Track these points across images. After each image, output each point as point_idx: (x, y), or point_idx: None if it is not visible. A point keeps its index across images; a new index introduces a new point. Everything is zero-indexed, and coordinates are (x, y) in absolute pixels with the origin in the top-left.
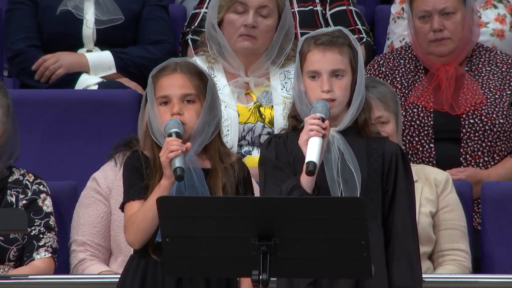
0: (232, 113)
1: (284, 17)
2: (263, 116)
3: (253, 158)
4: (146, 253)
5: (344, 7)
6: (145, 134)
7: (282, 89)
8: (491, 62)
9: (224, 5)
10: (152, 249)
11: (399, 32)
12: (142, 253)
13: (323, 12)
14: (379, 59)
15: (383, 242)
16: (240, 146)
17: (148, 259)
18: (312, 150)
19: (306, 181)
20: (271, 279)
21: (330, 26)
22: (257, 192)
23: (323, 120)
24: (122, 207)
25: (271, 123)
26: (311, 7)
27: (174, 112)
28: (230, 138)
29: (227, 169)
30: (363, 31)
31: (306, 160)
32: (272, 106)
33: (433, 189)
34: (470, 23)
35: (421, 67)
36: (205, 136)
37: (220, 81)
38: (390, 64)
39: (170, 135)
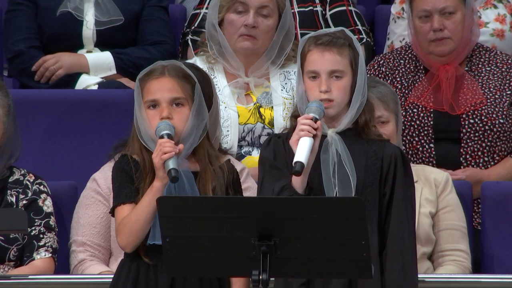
0: (232, 114)
1: (284, 17)
2: (263, 117)
3: (252, 159)
4: (137, 256)
5: (344, 8)
6: (132, 137)
7: (282, 90)
8: (491, 62)
9: (225, 5)
10: (143, 251)
11: (399, 32)
12: (133, 256)
13: (323, 12)
14: (379, 59)
15: (377, 245)
16: (240, 146)
17: (139, 262)
18: (301, 150)
19: (296, 181)
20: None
21: (330, 27)
22: (254, 192)
23: (316, 120)
24: (112, 211)
25: (271, 124)
26: (311, 7)
27: (163, 116)
28: (230, 138)
29: (216, 171)
30: (363, 32)
31: (294, 160)
32: (272, 107)
33: (433, 190)
34: (470, 23)
35: (421, 67)
36: (193, 139)
37: (220, 81)
38: (390, 64)
39: (162, 137)
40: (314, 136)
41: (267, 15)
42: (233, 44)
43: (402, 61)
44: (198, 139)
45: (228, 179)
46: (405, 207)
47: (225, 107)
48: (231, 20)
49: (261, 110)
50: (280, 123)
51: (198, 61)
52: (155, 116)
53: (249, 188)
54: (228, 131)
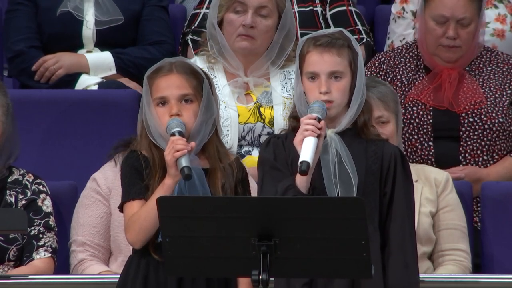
0: (232, 113)
1: (284, 18)
2: (263, 116)
3: (252, 158)
4: (146, 253)
5: (344, 8)
6: (141, 134)
7: (282, 89)
8: (492, 62)
9: (224, 4)
10: (153, 248)
11: (399, 31)
12: (142, 253)
13: (323, 12)
14: (380, 57)
15: (379, 244)
16: (240, 146)
17: (149, 259)
18: (306, 150)
19: (301, 181)
20: (271, 279)
21: (330, 27)
22: (254, 192)
23: (319, 120)
24: (121, 207)
25: (271, 123)
26: (311, 7)
27: (173, 114)
28: (230, 138)
29: (226, 169)
30: (363, 32)
31: (300, 159)
32: (272, 106)
33: (433, 189)
34: (479, 33)
35: (422, 66)
36: (203, 135)
37: (220, 81)
38: (391, 62)
39: (173, 135)
40: (318, 136)
41: (266, 15)
42: (231, 43)
43: (403, 59)
44: (208, 135)
45: (237, 176)
46: (406, 206)
47: (225, 107)
48: (230, 20)
49: (261, 109)
50: (280, 123)
51: (198, 60)
52: (165, 113)
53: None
54: (228, 130)
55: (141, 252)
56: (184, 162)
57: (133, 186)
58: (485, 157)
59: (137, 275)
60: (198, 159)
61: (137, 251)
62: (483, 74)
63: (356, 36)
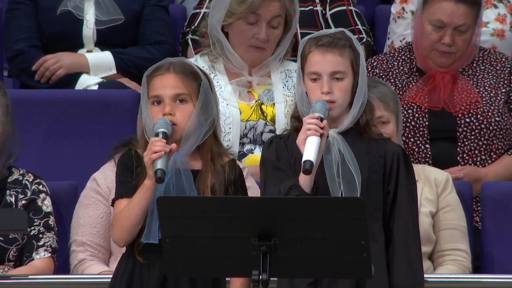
0: (234, 111)
1: (294, 25)
2: (265, 114)
3: (254, 157)
4: (133, 252)
5: (344, 7)
6: (142, 133)
7: (283, 87)
8: (485, 61)
9: (236, 13)
10: (138, 250)
11: (399, 31)
12: (130, 253)
13: (323, 12)
14: (372, 61)
15: (383, 243)
16: (242, 144)
17: (135, 259)
18: (309, 149)
19: (304, 181)
20: (271, 279)
21: (331, 26)
22: (255, 192)
23: (321, 119)
24: (112, 205)
25: (273, 120)
26: (311, 7)
27: (165, 112)
28: (232, 135)
29: (217, 170)
30: (363, 31)
31: (303, 159)
32: (274, 104)
33: (433, 189)
34: (475, 39)
35: (415, 69)
36: (197, 137)
37: (222, 79)
38: (384, 66)
39: (157, 135)
40: (321, 135)
41: (277, 25)
42: (241, 52)
43: (396, 63)
44: (203, 137)
45: (228, 178)
46: (409, 204)
47: (227, 104)
48: (241, 29)
49: (263, 107)
50: (282, 120)
51: (199, 60)
52: (158, 112)
53: (249, 187)
54: (230, 128)
55: (129, 251)
56: (159, 165)
57: (123, 184)
58: (483, 157)
59: (124, 274)
60: (189, 160)
61: (127, 250)
62: (477, 74)
63: (356, 36)
